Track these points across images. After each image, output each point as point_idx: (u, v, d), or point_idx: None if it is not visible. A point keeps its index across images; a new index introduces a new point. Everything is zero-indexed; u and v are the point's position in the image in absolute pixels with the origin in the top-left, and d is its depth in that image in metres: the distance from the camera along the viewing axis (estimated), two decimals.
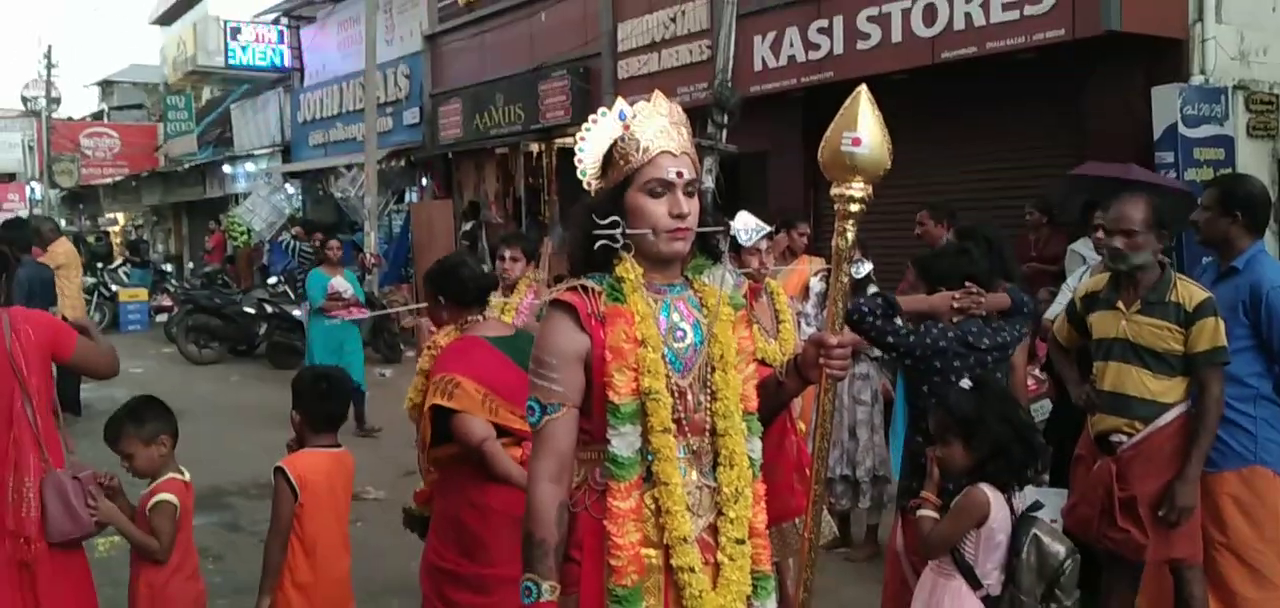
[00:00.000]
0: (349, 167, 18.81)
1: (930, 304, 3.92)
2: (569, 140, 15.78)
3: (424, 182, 19.01)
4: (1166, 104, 8.25)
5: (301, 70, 23.05)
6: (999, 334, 3.84)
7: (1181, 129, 8.22)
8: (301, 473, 3.63)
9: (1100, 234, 4.91)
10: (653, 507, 2.28)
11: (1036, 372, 5.97)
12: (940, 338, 3.76)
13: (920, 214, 7.11)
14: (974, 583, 3.19)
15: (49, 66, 35.40)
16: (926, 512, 3.30)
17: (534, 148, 16.18)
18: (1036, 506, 3.25)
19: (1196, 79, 8.46)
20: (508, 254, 5.98)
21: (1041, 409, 5.91)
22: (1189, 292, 3.95)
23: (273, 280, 16.40)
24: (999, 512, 3.16)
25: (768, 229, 4.06)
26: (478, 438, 3.52)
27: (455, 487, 3.68)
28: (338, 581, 3.72)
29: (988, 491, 3.18)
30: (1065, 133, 9.43)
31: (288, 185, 22.37)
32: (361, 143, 17.10)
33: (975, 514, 3.17)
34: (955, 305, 3.86)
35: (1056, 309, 5.28)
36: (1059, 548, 3.14)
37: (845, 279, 2.37)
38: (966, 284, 3.88)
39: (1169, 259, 4.15)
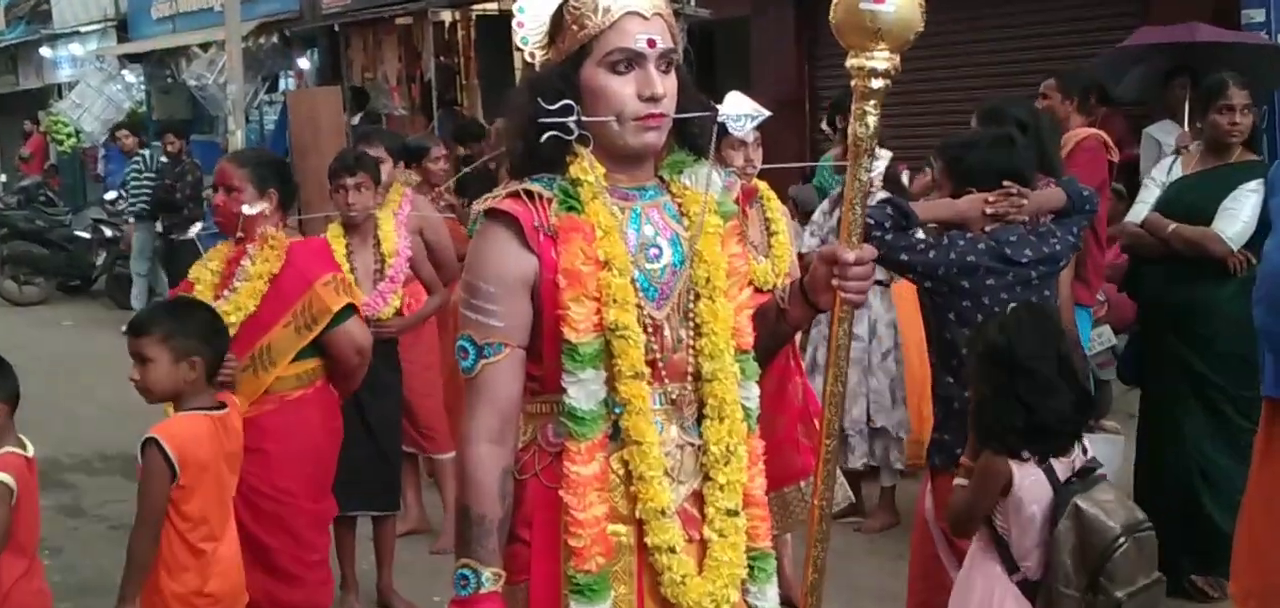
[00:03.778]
0: (205, 46, 18.47)
1: (957, 210, 3.92)
2: (490, 6, 15.61)
3: (304, 64, 18.72)
4: None
5: None
6: (1047, 243, 3.84)
7: None
8: (181, 444, 3.55)
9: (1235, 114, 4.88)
10: (621, 472, 2.29)
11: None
12: (969, 251, 3.77)
13: (1045, 84, 6.92)
14: (1010, 565, 3.24)
15: None
16: (959, 479, 3.35)
17: (445, 17, 15.93)
18: (1090, 467, 3.26)
19: None
20: (370, 153, 5.85)
21: (1099, 337, 5.99)
22: None
23: (111, 196, 16.15)
24: (1025, 479, 3.18)
25: (764, 115, 4.03)
26: (367, 343, 4.23)
27: (304, 415, 4.18)
28: (228, 573, 3.69)
29: (1010, 454, 3.21)
30: None
31: (125, 72, 21.92)
32: (221, 14, 16.75)
33: (993, 484, 3.21)
34: (988, 210, 3.87)
35: (1141, 210, 5.27)
36: (1111, 525, 3.09)
37: (864, 177, 2.36)
38: (1004, 183, 3.88)
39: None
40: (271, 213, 4.24)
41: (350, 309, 4.21)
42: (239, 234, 4.20)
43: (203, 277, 4.25)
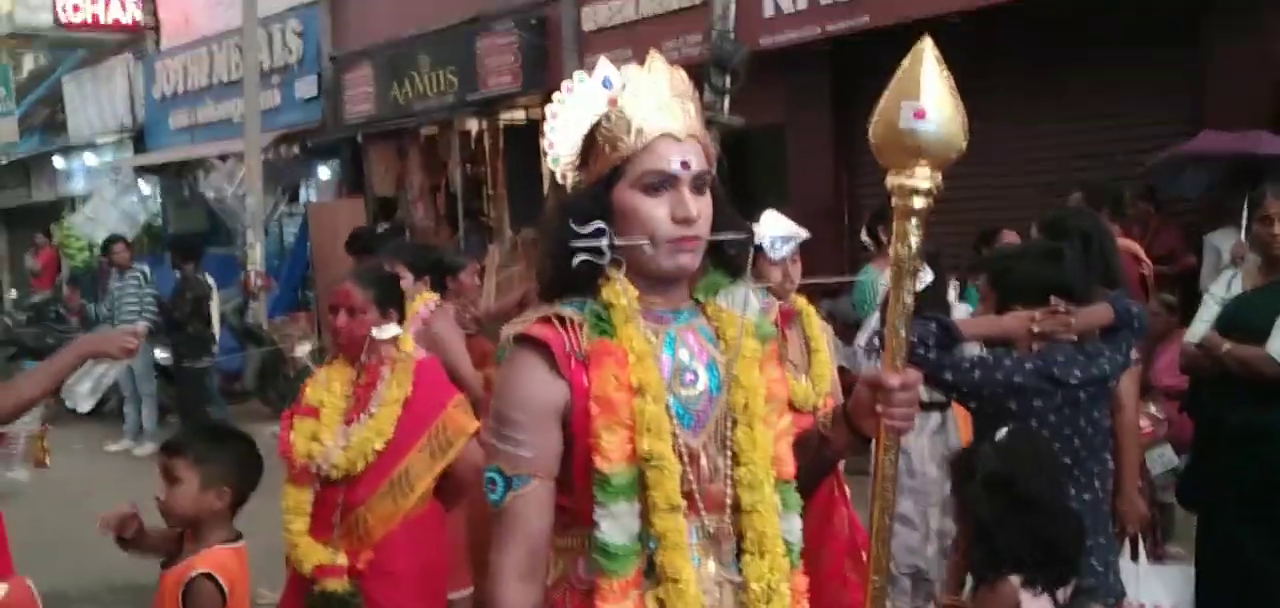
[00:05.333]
0: (224, 157, 18.72)
1: (1002, 328, 3.93)
2: (517, 115, 15.79)
3: (325, 174, 18.95)
4: None
5: (157, 28, 22.94)
6: (1095, 363, 3.84)
7: None
8: (229, 578, 3.57)
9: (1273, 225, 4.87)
10: None
11: (1152, 408, 5.98)
12: (1015, 371, 3.77)
13: (1073, 198, 6.98)
14: None
15: None
16: None
17: (472, 126, 16.16)
18: (1082, 589, 3.26)
19: None
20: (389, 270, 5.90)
21: (1160, 458, 5.92)
22: None
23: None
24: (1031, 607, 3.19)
25: (803, 235, 4.06)
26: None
27: (425, 531, 4.21)
28: None
29: (1017, 583, 3.20)
30: (1178, 92, 9.49)
31: (141, 183, 22.23)
32: (240, 125, 17.02)
33: None
34: (1036, 329, 3.86)
35: (1200, 328, 5.22)
36: None
37: (908, 299, 2.36)
38: (1052, 299, 3.88)
39: None
40: (373, 321, 4.26)
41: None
42: (365, 357, 4.21)
43: (327, 402, 4.19)
